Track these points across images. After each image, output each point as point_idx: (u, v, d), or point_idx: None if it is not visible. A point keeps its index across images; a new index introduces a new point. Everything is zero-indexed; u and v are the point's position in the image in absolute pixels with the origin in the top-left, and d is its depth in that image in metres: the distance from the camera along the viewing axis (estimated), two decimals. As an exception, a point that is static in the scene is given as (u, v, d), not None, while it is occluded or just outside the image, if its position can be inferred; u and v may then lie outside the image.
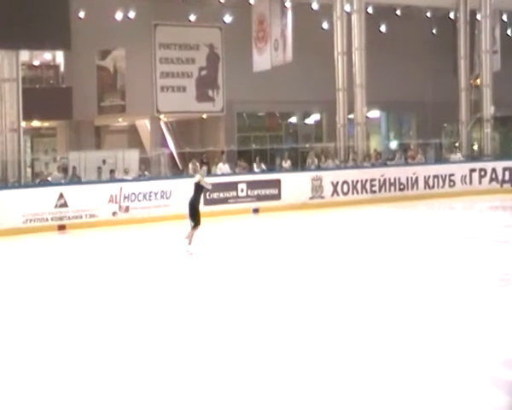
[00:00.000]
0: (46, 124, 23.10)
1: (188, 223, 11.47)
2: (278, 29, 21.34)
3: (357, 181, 18.91)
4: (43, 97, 21.05)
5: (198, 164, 13.46)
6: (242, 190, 17.38)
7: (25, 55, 20.52)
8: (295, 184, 18.23)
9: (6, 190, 15.55)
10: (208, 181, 12.18)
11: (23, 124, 18.23)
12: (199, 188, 11.62)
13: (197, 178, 11.73)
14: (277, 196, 17.84)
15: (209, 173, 18.43)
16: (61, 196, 15.30)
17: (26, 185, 16.62)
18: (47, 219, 15.03)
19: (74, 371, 5.85)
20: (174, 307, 8.11)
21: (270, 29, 21.45)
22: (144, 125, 23.38)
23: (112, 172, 17.51)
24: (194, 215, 11.34)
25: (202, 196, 12.39)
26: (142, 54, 22.13)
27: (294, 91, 23.06)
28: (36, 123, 22.14)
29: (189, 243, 11.35)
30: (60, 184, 16.35)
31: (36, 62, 23.40)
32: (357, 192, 18.95)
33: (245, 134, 24.81)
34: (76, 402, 5.13)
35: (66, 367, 5.94)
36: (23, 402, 5.19)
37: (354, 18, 20.66)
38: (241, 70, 21.91)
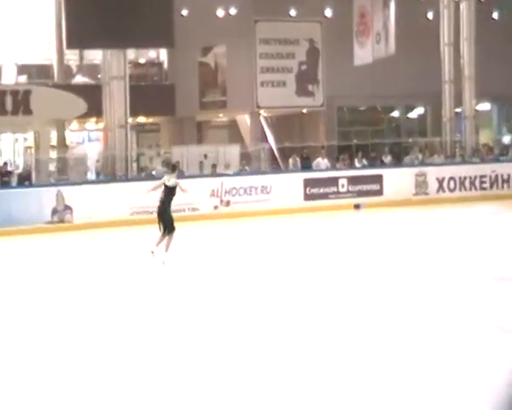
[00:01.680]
0: (150, 120, 23.78)
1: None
2: (380, 21, 20.82)
3: (465, 177, 18.14)
4: (147, 94, 21.62)
5: (169, 165, 11.63)
6: (343, 186, 17.12)
7: (131, 54, 21.17)
8: (398, 179, 17.75)
9: (114, 183, 16.15)
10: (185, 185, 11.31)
11: (130, 120, 18.84)
12: (171, 192, 10.91)
13: (172, 181, 10.87)
14: (379, 192, 17.43)
15: (309, 168, 18.32)
16: (165, 189, 15.65)
17: (133, 179, 17.16)
18: (152, 212, 15.39)
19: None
20: (275, 302, 8.03)
21: (372, 22, 20.97)
22: (244, 120, 23.59)
23: (213, 166, 17.75)
24: (170, 222, 10.79)
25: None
26: (243, 50, 22.31)
27: (397, 85, 22.46)
28: (141, 119, 22.84)
29: (166, 251, 10.63)
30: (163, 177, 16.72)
31: (141, 60, 24.12)
32: (465, 189, 18.18)
33: (345, 129, 24.45)
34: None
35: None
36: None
37: (463, 6, 19.84)
38: (342, 64, 21.61)
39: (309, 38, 22.95)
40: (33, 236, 13.81)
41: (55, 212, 14.85)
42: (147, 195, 11.42)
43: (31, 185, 16.27)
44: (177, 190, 10.90)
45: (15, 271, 10.70)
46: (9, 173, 17.06)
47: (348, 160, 19.11)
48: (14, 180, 16.79)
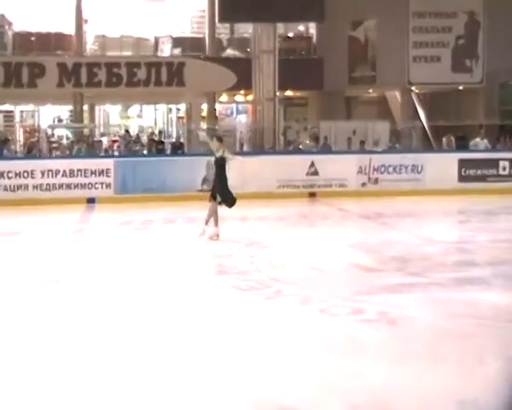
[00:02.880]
0: (298, 94, 23.75)
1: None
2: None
3: None
4: (296, 68, 21.53)
5: (214, 138, 10.62)
6: (505, 169, 16.02)
7: (280, 28, 21.16)
8: None
9: (262, 155, 16.29)
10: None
11: (278, 93, 18.88)
12: (222, 165, 10.08)
13: (221, 152, 10.07)
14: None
15: (465, 148, 17.34)
16: (312, 164, 15.59)
17: (280, 152, 17.24)
18: (298, 186, 15.44)
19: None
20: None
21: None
22: (395, 96, 22.81)
23: (362, 143, 17.36)
24: (228, 193, 10.04)
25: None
26: (395, 24, 21.48)
27: None
28: (289, 93, 22.85)
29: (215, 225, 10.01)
30: (311, 152, 16.67)
31: (290, 34, 24.05)
32: None
33: (509, 107, 22.82)
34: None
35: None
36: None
37: None
38: (507, 37, 20.15)
39: (468, 11, 21.63)
40: (185, 203, 14.24)
41: (205, 181, 15.24)
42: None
43: (183, 154, 16.83)
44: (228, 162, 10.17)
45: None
46: (162, 143, 17.75)
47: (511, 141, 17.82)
48: (168, 149, 17.46)
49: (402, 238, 10.44)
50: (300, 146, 17.81)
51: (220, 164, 10.06)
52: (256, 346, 5.49)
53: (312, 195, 15.48)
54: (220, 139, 10.52)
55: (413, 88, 22.41)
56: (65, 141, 22.15)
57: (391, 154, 16.68)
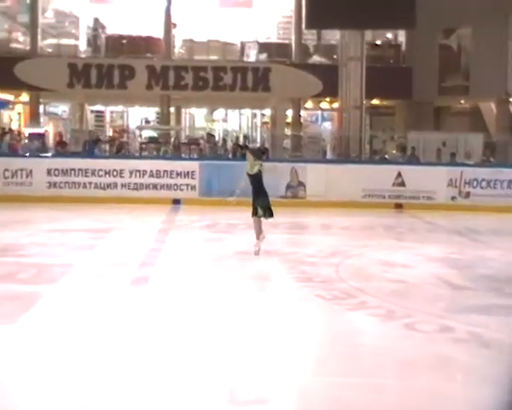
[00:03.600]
0: (385, 102, 23.34)
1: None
2: None
3: None
4: (383, 76, 21.14)
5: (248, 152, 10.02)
6: None
7: (368, 35, 20.86)
8: None
9: (347, 164, 16.05)
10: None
11: (364, 102, 18.59)
12: (259, 178, 9.44)
13: (256, 168, 9.41)
14: None
15: None
16: (399, 174, 15.22)
17: (366, 161, 16.95)
18: (384, 197, 15.11)
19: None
20: None
21: None
22: (490, 107, 21.95)
23: (452, 155, 16.81)
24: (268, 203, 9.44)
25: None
26: (492, 32, 20.69)
27: None
28: (375, 101, 22.48)
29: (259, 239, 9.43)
30: (398, 162, 16.29)
31: (378, 42, 23.67)
32: None
33: None
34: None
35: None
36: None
37: None
38: None
39: None
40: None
41: (289, 187, 15.17)
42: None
43: (267, 160, 16.77)
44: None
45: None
46: (246, 147, 17.77)
47: None
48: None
49: (495, 256, 9.96)
50: (386, 156, 17.44)
51: (258, 179, 9.44)
52: (337, 357, 5.33)
53: (399, 206, 15.11)
54: (254, 153, 9.86)
55: (511, 99, 21.48)
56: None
57: (484, 168, 16.04)
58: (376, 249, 10.40)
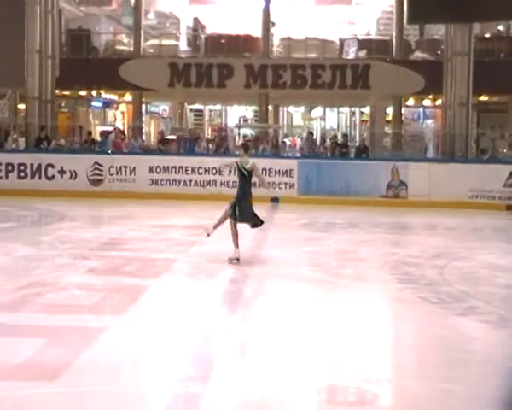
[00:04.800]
0: (495, 98, 22.21)
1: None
2: None
3: None
4: (493, 71, 20.10)
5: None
6: None
7: (476, 28, 19.94)
8: None
9: (453, 163, 15.42)
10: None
11: (471, 98, 17.80)
12: (249, 175, 8.58)
13: (250, 163, 8.57)
14: None
15: None
16: (511, 175, 14.40)
17: (473, 160, 16.22)
18: (494, 197, 14.37)
19: None
20: None
21: None
22: None
23: None
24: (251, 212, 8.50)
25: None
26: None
27: None
28: (483, 98, 21.46)
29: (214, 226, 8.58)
30: (510, 162, 15.42)
31: (487, 35, 22.59)
32: None
33: None
34: None
35: None
36: None
37: None
38: None
39: None
40: (368, 208, 13.88)
41: (389, 186, 14.75)
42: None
43: (367, 158, 16.46)
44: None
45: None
46: (347, 146, 17.49)
47: None
48: (352, 152, 17.19)
49: None
50: (497, 154, 16.59)
51: (246, 176, 8.62)
52: (443, 363, 5.07)
53: (510, 207, 14.29)
54: (247, 148, 9.07)
55: None
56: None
57: None
58: (485, 252, 9.87)
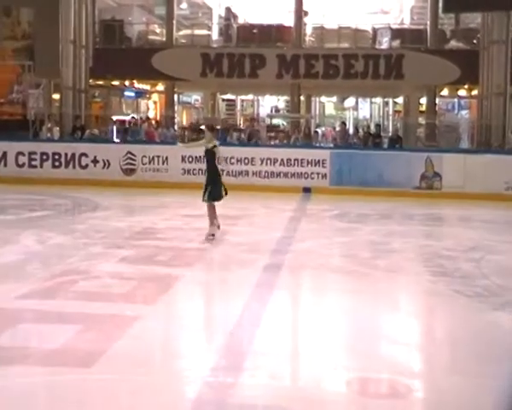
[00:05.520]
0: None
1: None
2: None
3: None
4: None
5: (206, 128, 9.97)
6: None
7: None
8: None
9: (489, 154, 15.12)
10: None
11: (509, 88, 17.44)
12: (212, 155, 9.06)
13: (211, 144, 9.05)
14: None
15: None
16: (548, 166, 14.09)
17: (510, 152, 15.88)
18: (533, 190, 14.07)
19: None
20: None
21: None
22: None
23: None
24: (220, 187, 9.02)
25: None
26: None
27: None
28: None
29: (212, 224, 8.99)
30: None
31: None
32: None
33: None
34: None
35: None
36: None
37: None
38: None
39: None
40: (401, 199, 13.71)
41: (423, 178, 14.54)
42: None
43: (401, 149, 16.25)
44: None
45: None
46: (380, 137, 17.30)
47: None
48: (385, 143, 17.00)
49: None
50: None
51: (210, 157, 9.13)
52: (478, 358, 4.96)
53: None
54: (212, 129, 9.68)
55: None
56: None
57: None
58: (523, 245, 9.66)
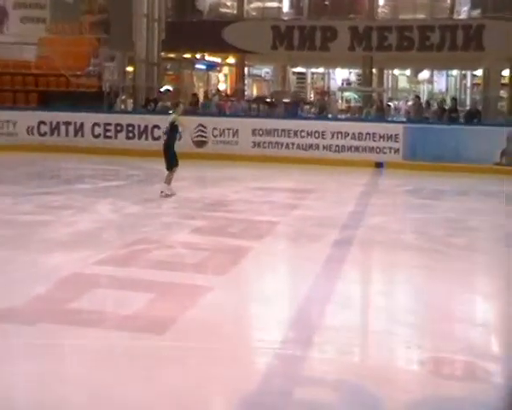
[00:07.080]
0: None
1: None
2: None
3: None
4: None
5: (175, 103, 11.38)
6: None
7: None
8: None
9: None
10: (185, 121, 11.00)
11: None
12: (173, 128, 10.22)
13: (172, 117, 10.32)
14: None
15: None
16: None
17: None
18: None
19: None
20: None
21: None
22: None
23: None
24: (170, 158, 10.18)
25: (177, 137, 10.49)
26: None
27: None
28: None
29: (169, 184, 10.09)
30: None
31: None
32: None
33: None
34: None
35: None
36: None
37: None
38: None
39: None
40: (479, 175, 13.22)
41: (504, 154, 13.94)
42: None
43: (479, 123, 15.63)
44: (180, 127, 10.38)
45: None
46: (456, 111, 16.69)
47: None
48: (462, 117, 16.39)
49: None
50: None
51: (172, 128, 10.24)
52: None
53: None
54: (176, 104, 10.91)
55: None
56: (352, 104, 22.34)
57: None
58: None
